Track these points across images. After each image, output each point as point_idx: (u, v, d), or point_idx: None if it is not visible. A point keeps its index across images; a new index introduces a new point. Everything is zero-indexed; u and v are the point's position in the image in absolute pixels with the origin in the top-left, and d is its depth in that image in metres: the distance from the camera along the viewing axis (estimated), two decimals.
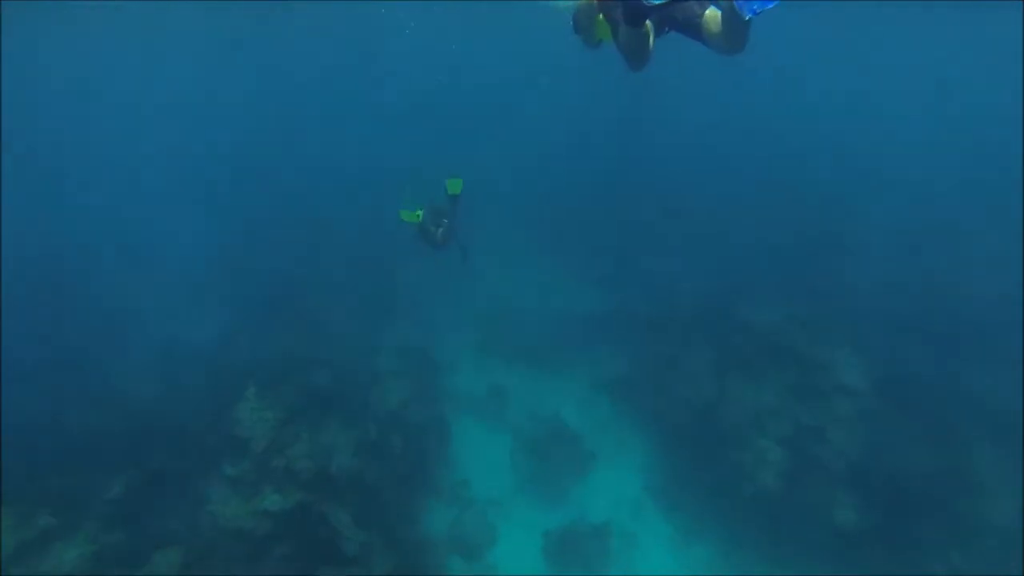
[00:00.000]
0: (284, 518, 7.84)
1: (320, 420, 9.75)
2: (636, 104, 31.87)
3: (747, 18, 2.22)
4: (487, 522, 10.13)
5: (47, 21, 16.34)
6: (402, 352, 12.75)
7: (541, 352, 13.50)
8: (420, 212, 9.09)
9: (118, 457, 8.88)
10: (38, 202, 18.82)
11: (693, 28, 2.89)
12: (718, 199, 17.80)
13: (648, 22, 2.77)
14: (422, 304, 14.88)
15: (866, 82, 38.67)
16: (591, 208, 18.73)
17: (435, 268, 15.89)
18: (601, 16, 3.36)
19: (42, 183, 21.10)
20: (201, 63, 33.07)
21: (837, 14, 22.76)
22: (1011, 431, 8.96)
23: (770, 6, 2.14)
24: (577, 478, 10.92)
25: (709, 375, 11.03)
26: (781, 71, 36.37)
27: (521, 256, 16.59)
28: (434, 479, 10.69)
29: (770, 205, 17.00)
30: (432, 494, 10.50)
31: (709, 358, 11.34)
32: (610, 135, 26.73)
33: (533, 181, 20.83)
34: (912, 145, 23.29)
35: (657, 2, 2.43)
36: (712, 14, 2.79)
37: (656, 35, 3.05)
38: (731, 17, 2.41)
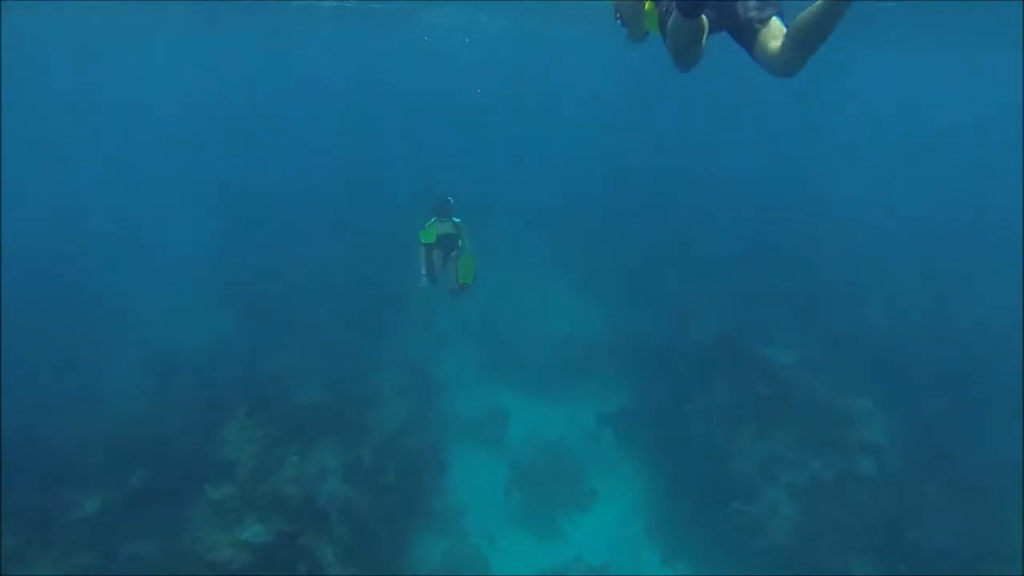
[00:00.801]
0: (264, 551, 7.22)
1: (313, 441, 9.16)
2: (657, 122, 31.28)
3: None
4: (481, 556, 9.48)
5: (47, 21, 15.79)
6: (402, 369, 12.17)
7: (545, 377, 12.88)
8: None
9: (97, 472, 8.32)
10: (35, 201, 18.25)
11: (748, 34, 2.52)
12: (736, 228, 17.14)
13: (704, 16, 2.36)
14: (425, 317, 14.27)
15: (873, 125, 38.06)
16: (603, 229, 18.11)
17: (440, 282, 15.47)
18: (649, 4, 2.90)
19: (40, 181, 20.53)
20: (208, 69, 32.67)
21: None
22: None
23: None
24: (576, 515, 10.27)
25: (720, 415, 10.39)
26: (797, 108, 35.82)
27: (530, 274, 15.94)
28: (428, 508, 10.04)
29: (787, 240, 16.36)
30: (425, 524, 9.84)
31: (721, 397, 10.71)
32: (628, 154, 26.06)
33: (545, 197, 20.18)
34: (921, 185, 22.68)
35: None
36: (775, 27, 2.44)
37: (709, 32, 2.61)
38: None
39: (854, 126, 36.55)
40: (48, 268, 14.08)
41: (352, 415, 10.01)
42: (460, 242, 8.99)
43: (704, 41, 2.55)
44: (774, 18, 2.49)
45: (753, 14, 2.52)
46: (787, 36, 2.28)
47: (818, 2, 2.05)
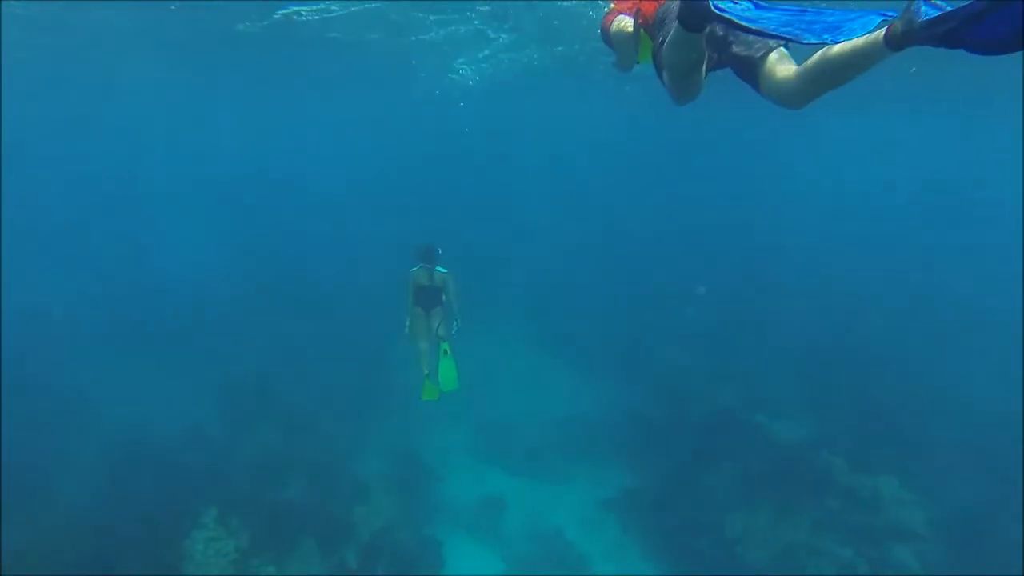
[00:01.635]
0: None
1: (292, 546, 8.08)
2: (655, 182, 31.33)
3: (926, 19, 1.53)
4: None
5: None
6: (389, 456, 11.17)
7: (542, 460, 11.90)
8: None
9: None
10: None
11: (749, 67, 2.32)
12: (735, 294, 16.68)
13: (704, 43, 2.14)
14: (413, 400, 13.30)
15: (875, 189, 38.76)
16: (594, 301, 17.45)
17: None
18: (644, 33, 2.65)
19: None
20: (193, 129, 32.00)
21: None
22: None
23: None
24: None
25: (729, 498, 9.52)
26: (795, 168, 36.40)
27: (520, 351, 15.20)
28: None
29: (785, 307, 15.89)
30: None
31: (727, 478, 9.89)
32: (617, 223, 25.86)
33: (538, 268, 19.63)
34: (921, 249, 22.78)
35: (724, 7, 1.87)
36: (781, 56, 2.24)
37: (710, 67, 2.45)
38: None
39: (855, 188, 37.20)
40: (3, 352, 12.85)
41: (335, 511, 9.00)
42: (444, 297, 8.29)
43: (704, 70, 2.35)
44: (781, 48, 2.28)
45: (752, 48, 2.31)
46: (804, 69, 2.07)
47: (854, 44, 1.81)
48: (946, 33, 1.49)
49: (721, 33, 2.41)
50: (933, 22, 1.51)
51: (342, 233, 23.14)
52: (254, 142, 36.19)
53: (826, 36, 1.82)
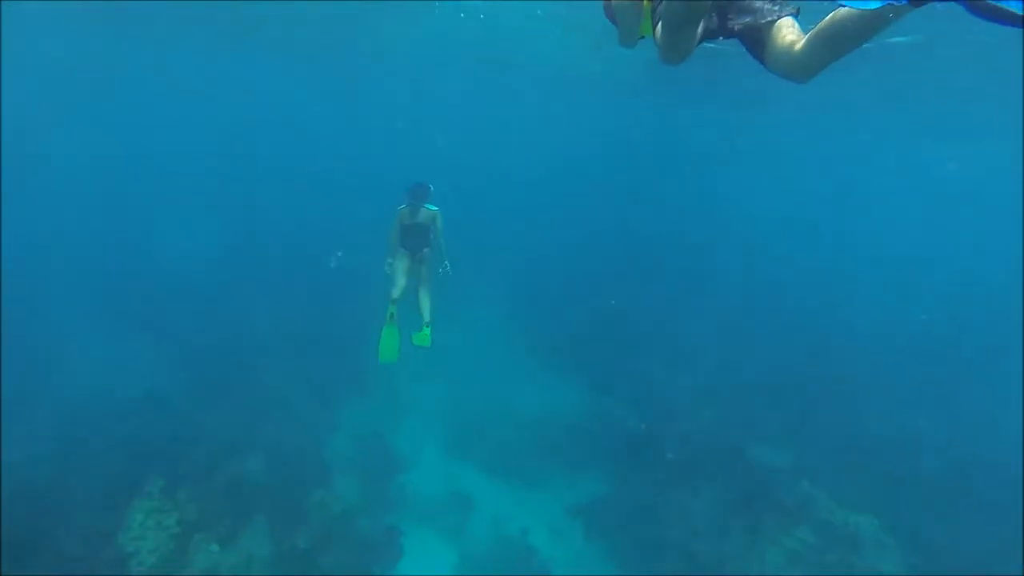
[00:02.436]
0: None
1: (242, 524, 7.55)
2: (648, 186, 30.88)
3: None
4: None
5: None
6: (357, 441, 10.66)
7: (515, 461, 11.40)
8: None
9: None
10: None
11: (756, 35, 2.23)
12: (724, 312, 16.20)
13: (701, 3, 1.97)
14: (388, 383, 12.80)
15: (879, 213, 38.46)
16: (580, 305, 16.94)
17: (408, 344, 14.09)
18: (648, 2, 2.44)
19: None
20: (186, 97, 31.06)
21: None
22: None
23: None
24: None
25: (704, 521, 9.06)
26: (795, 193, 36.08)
27: (500, 349, 14.70)
28: None
29: (777, 330, 15.48)
30: None
31: (705, 500, 9.43)
32: (615, 220, 25.36)
33: (523, 266, 19.15)
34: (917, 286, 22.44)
35: None
36: (788, 24, 2.15)
37: (709, 32, 2.33)
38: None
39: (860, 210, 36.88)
40: None
41: (293, 493, 8.45)
42: (432, 237, 7.69)
43: (701, 29, 2.22)
44: (787, 16, 2.19)
45: (758, 13, 2.21)
46: (813, 36, 1.97)
47: (864, 8, 1.74)
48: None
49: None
50: None
51: (328, 210, 22.50)
52: (233, 109, 35.05)
53: None
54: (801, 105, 18.29)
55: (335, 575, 7.68)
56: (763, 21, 2.19)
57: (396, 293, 7.40)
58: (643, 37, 2.69)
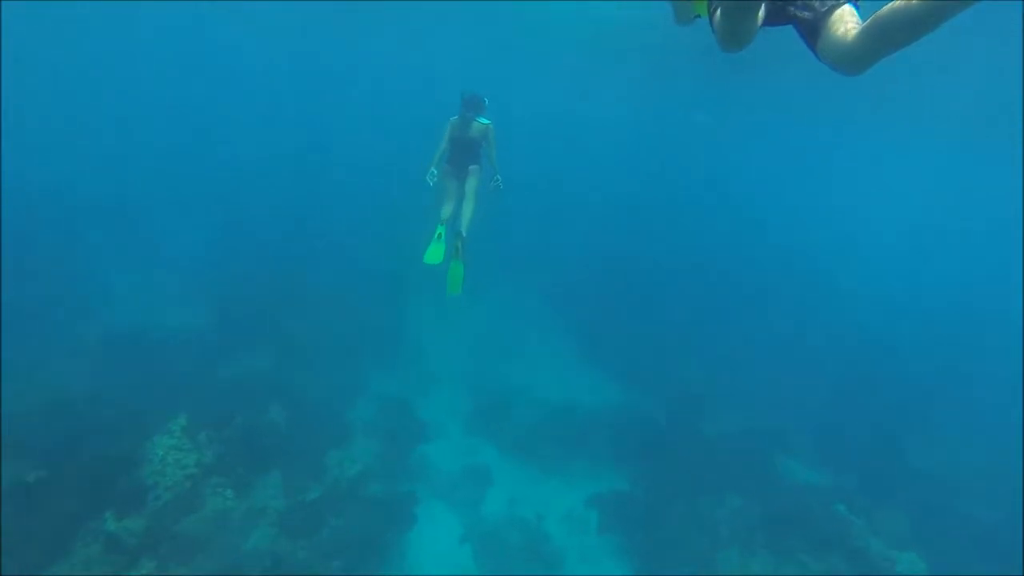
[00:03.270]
0: None
1: (257, 473, 7.44)
2: (691, 187, 29.96)
3: None
4: None
5: None
6: (382, 405, 10.48)
7: (538, 444, 11.07)
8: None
9: None
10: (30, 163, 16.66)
11: (811, 23, 2.09)
12: (766, 319, 15.43)
13: None
14: (420, 352, 12.62)
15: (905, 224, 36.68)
16: (620, 297, 16.39)
17: (444, 314, 13.89)
18: None
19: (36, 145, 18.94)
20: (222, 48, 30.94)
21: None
22: None
23: None
24: None
25: (728, 534, 8.56)
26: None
27: (534, 333, 14.32)
28: (378, 572, 8.14)
29: (826, 336, 14.65)
30: None
31: (731, 509, 8.91)
32: (655, 220, 24.58)
33: (572, 251, 18.65)
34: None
35: None
36: (847, 13, 2.02)
37: (768, 20, 2.19)
38: None
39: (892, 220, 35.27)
40: (31, 228, 12.52)
41: (312, 449, 8.32)
42: (484, 151, 7.14)
43: (761, 15, 2.10)
44: (846, 4, 2.10)
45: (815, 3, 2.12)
46: (869, 27, 1.83)
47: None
48: None
49: None
50: None
51: (373, 166, 22.31)
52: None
53: None
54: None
55: (345, 536, 7.53)
56: (823, 10, 2.09)
57: (445, 214, 6.98)
58: (698, 16, 2.59)
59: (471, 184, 7.14)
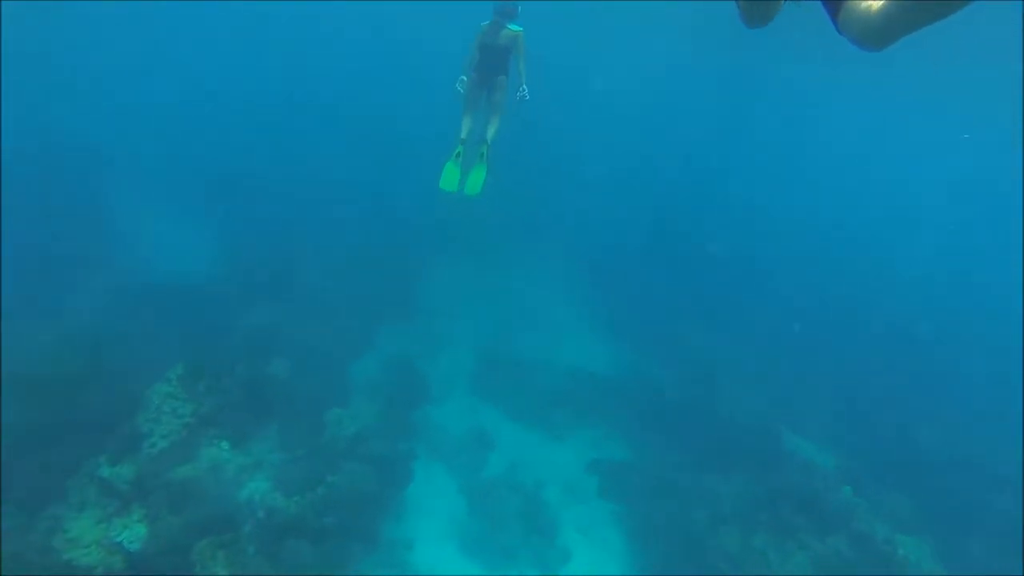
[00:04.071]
0: (140, 563, 5.43)
1: (255, 425, 7.40)
2: (716, 138, 29.08)
3: None
4: None
5: None
6: (388, 363, 10.39)
7: (544, 409, 10.94)
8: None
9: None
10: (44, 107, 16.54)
11: None
12: (785, 296, 14.96)
13: None
14: (429, 312, 12.47)
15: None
16: (634, 265, 15.96)
17: (457, 275, 13.71)
18: None
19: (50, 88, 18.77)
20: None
21: None
22: None
23: None
24: None
25: (733, 508, 8.38)
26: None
27: (553, 293, 14.05)
28: (372, 529, 8.17)
29: (844, 324, 14.20)
30: (363, 549, 7.96)
31: (736, 487, 8.71)
32: (675, 189, 23.86)
33: (579, 213, 18.17)
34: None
35: None
36: None
37: None
38: None
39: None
40: (47, 174, 12.48)
41: (312, 405, 8.25)
42: (512, 61, 6.95)
43: None
44: None
45: None
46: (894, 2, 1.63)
47: None
48: None
49: None
50: None
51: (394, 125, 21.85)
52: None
53: None
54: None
55: (340, 493, 7.49)
56: None
57: (464, 132, 6.83)
58: None
59: (498, 97, 6.98)
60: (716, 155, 31.16)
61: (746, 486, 8.50)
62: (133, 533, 5.45)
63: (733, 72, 27.46)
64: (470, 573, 8.16)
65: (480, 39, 6.87)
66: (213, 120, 18.53)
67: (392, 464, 8.60)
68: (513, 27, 6.81)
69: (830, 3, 1.97)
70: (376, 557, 7.96)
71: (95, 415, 6.67)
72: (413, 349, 11.27)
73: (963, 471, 9.82)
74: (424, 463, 9.18)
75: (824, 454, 9.32)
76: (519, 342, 12.22)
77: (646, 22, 17.45)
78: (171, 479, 5.92)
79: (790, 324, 13.50)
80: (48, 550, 5.26)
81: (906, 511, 8.08)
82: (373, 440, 8.42)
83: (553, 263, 15.50)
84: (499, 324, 12.80)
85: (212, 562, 5.67)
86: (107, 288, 9.93)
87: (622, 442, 10.58)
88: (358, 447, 8.07)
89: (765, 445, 9.30)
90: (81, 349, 7.91)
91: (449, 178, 6.73)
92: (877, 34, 1.76)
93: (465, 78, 6.92)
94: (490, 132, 6.83)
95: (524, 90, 6.92)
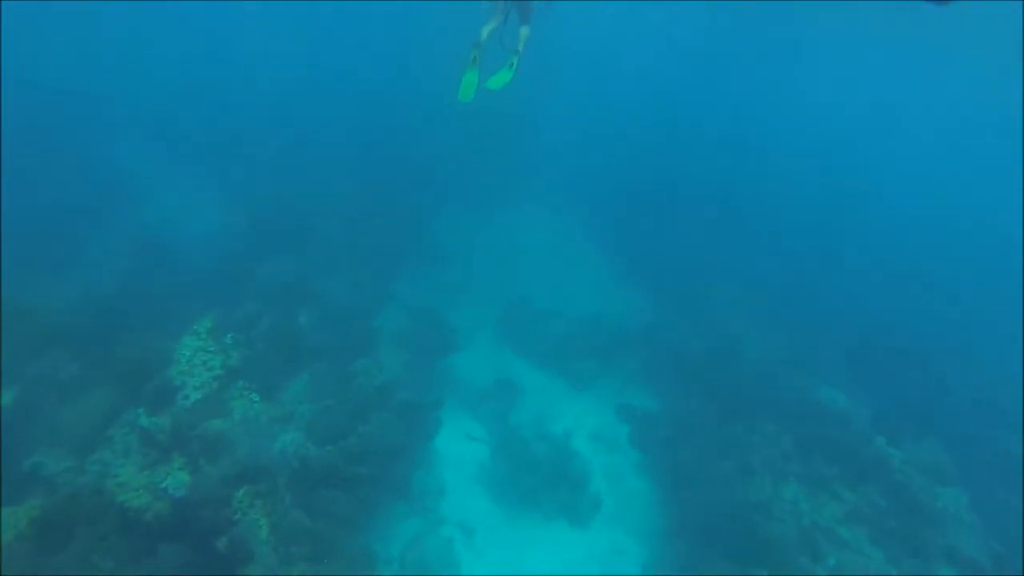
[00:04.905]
0: (185, 508, 5.54)
1: (284, 377, 7.42)
2: (739, 101, 28.08)
3: None
4: (451, 554, 7.75)
5: None
6: (412, 313, 10.32)
7: (569, 357, 10.91)
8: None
9: (35, 349, 6.70)
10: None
11: None
12: (804, 246, 14.60)
13: None
14: (452, 263, 12.33)
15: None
16: (658, 218, 15.56)
17: (479, 225, 13.52)
18: None
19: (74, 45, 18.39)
20: None
21: None
22: None
23: None
24: (572, 530, 8.40)
25: (762, 461, 8.33)
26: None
27: (578, 244, 13.82)
28: (402, 480, 8.27)
29: (877, 266, 13.84)
30: (394, 498, 8.09)
31: (766, 436, 8.65)
32: (697, 145, 23.13)
33: (602, 168, 17.69)
34: None
35: None
36: None
37: None
38: None
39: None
40: (72, 132, 12.33)
41: (339, 356, 8.24)
42: None
43: None
44: None
45: None
46: None
47: None
48: None
49: None
50: None
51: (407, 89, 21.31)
52: None
53: None
54: None
55: (371, 442, 7.55)
56: None
57: (484, 35, 6.54)
58: None
59: (524, 8, 6.70)
60: (740, 109, 30.20)
61: (774, 436, 8.43)
62: (177, 480, 5.54)
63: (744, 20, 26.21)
64: (500, 521, 8.30)
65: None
66: (233, 81, 18.15)
67: (421, 413, 8.62)
68: None
69: None
70: (407, 505, 8.12)
71: (127, 368, 6.69)
72: (435, 299, 11.18)
73: (990, 414, 9.68)
74: (451, 412, 9.21)
75: (855, 403, 9.18)
76: (544, 292, 12.08)
77: None
78: (206, 430, 5.97)
79: (804, 271, 13.26)
80: (101, 491, 5.38)
81: (941, 461, 7.98)
82: (401, 390, 8.43)
83: (577, 215, 15.20)
84: (523, 274, 12.64)
85: (251, 510, 5.78)
86: (128, 243, 9.91)
87: (647, 391, 10.54)
88: (387, 397, 8.08)
89: (793, 394, 9.19)
90: (107, 303, 7.95)
91: (467, 87, 6.38)
92: None
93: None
94: (522, 41, 6.59)
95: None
